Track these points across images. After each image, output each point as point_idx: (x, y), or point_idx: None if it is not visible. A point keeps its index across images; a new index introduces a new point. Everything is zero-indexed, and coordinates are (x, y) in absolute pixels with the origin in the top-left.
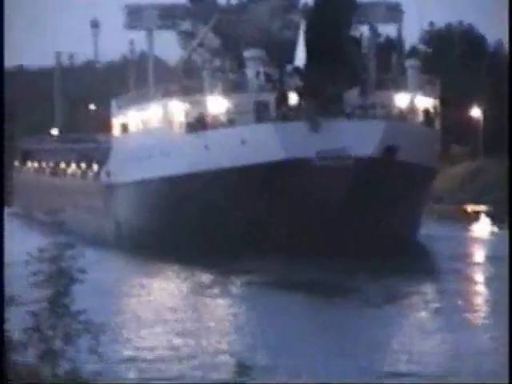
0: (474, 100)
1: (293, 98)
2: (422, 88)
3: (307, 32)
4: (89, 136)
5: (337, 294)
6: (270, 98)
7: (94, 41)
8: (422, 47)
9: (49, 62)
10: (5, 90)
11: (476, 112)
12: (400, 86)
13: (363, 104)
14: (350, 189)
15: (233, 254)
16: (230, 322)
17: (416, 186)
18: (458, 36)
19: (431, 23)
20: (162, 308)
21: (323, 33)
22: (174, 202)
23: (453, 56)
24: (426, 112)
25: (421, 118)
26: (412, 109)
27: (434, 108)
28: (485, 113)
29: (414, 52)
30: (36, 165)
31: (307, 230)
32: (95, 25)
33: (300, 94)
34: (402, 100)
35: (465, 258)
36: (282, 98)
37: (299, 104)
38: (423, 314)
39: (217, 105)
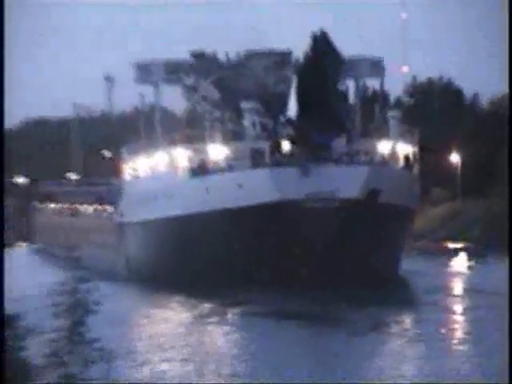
0: (452, 147)
1: (285, 146)
2: (403, 136)
3: (298, 86)
4: (103, 180)
5: (325, 323)
6: (265, 145)
7: (107, 93)
8: (405, 99)
9: (66, 112)
10: (29, 138)
11: (455, 158)
12: (382, 134)
13: (349, 151)
14: (336, 228)
15: (231, 287)
16: (227, 348)
17: (396, 224)
18: (438, 89)
19: (414, 77)
20: (167, 336)
21: (313, 87)
22: (178, 240)
23: (433, 107)
24: (406, 158)
25: (401, 163)
26: (393, 155)
27: (413, 154)
28: (463, 158)
29: (397, 103)
30: (56, 205)
31: (298, 266)
32: (109, 79)
33: (292, 142)
34: (384, 147)
35: (443, 290)
36: (276, 146)
37: (291, 151)
38: (403, 341)
39: (217, 152)
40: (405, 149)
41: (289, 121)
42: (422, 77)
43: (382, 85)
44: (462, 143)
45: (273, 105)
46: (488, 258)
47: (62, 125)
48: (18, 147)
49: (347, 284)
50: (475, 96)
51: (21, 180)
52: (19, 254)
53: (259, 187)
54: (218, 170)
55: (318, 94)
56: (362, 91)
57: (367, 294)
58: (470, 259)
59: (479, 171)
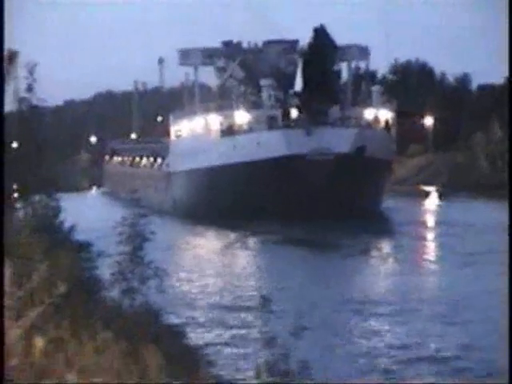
0: (426, 113)
1: (293, 113)
2: (383, 105)
3: (303, 67)
4: (156, 139)
5: (323, 247)
6: (278, 113)
7: (160, 72)
8: (389, 76)
9: (129, 87)
10: (95, 107)
11: (428, 121)
12: (367, 104)
13: (342, 117)
14: (332, 175)
15: (251, 221)
16: (247, 266)
17: (378, 172)
18: (415, 68)
19: (395, 59)
20: (203, 258)
21: (314, 68)
22: (211, 185)
23: (411, 83)
24: (386, 122)
25: (382, 126)
26: (376, 120)
27: (392, 119)
28: (434, 121)
29: (383, 79)
30: (120, 159)
31: (303, 203)
32: (161, 61)
33: (298, 110)
34: (368, 114)
35: (417, 222)
36: (286, 113)
37: (298, 117)
38: (387, 261)
39: (241, 118)
40: (385, 115)
41: (296, 94)
42: (403, 59)
43: (367, 66)
44: (434, 110)
45: (284, 81)
46: (452, 198)
47: (126, 96)
48: (92, 114)
49: (341, 218)
50: (443, 74)
51: (93, 139)
52: (92, 196)
53: (273, 145)
54: (242, 131)
55: (318, 73)
56: (352, 71)
57: (357, 226)
58: (439, 199)
59: (446, 131)
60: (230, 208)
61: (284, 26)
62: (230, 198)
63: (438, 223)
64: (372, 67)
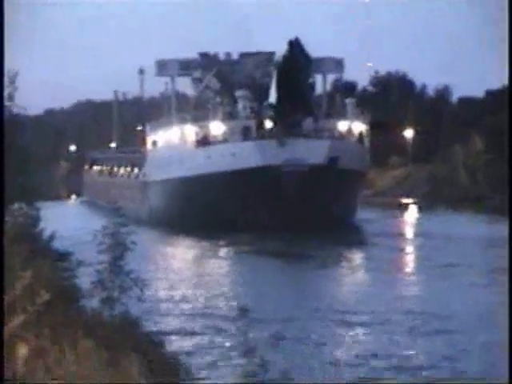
0: (405, 125)
1: (268, 124)
2: (357, 117)
3: (278, 79)
4: (134, 149)
5: (296, 258)
6: (252, 123)
7: (141, 82)
8: (369, 88)
9: (109, 96)
10: (75, 116)
11: (408, 133)
12: (341, 116)
13: (315, 128)
14: (306, 186)
15: (224, 231)
16: (221, 276)
17: (352, 183)
18: (395, 80)
19: (376, 71)
20: (177, 267)
21: (288, 80)
22: (186, 195)
23: (393, 94)
24: (360, 134)
25: (355, 137)
26: (349, 132)
27: (366, 131)
28: (414, 134)
29: (363, 91)
30: (99, 168)
31: (276, 214)
32: (141, 71)
33: (273, 121)
34: (342, 126)
35: (397, 234)
36: (260, 124)
37: (272, 128)
38: (359, 272)
39: (216, 128)
40: (359, 127)
41: (270, 105)
42: (383, 71)
43: (341, 78)
44: (414, 122)
45: (259, 93)
46: (431, 210)
47: (105, 106)
48: (71, 122)
49: (314, 229)
50: (423, 85)
51: (73, 148)
52: (71, 205)
53: (247, 155)
54: (217, 142)
55: (291, 85)
56: (326, 83)
57: (330, 237)
58: (417, 211)
59: (426, 143)
60: (205, 218)
61: (263, 38)
62: (204, 208)
63: (414, 235)
64: (352, 79)
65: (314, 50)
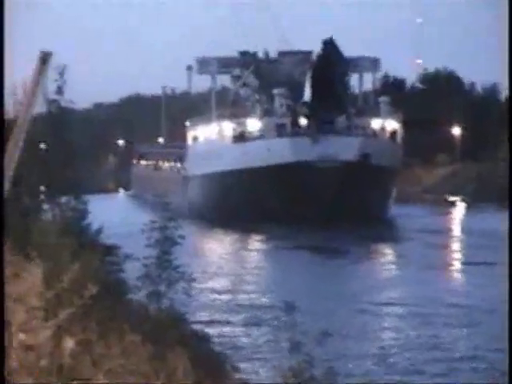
0: (454, 123)
1: (302, 121)
2: (391, 115)
3: (312, 78)
4: (181, 144)
5: (332, 253)
6: (287, 121)
7: (188, 78)
8: (418, 84)
9: (158, 91)
10: (124, 110)
11: (456, 131)
12: (374, 114)
13: (348, 126)
14: (338, 182)
15: (261, 225)
16: (258, 268)
17: (383, 179)
18: (443, 77)
19: (425, 68)
20: (216, 258)
21: (322, 79)
22: (224, 188)
23: (441, 92)
24: (392, 132)
25: (388, 135)
26: (382, 129)
27: (399, 129)
28: (462, 131)
29: (414, 89)
30: (146, 162)
31: (311, 209)
32: (189, 68)
33: (307, 119)
34: (375, 123)
35: (439, 230)
36: (295, 121)
37: (306, 125)
38: (391, 267)
39: (253, 125)
40: (392, 125)
41: (305, 103)
42: (431, 68)
43: (375, 78)
44: (462, 119)
45: (295, 91)
46: (477, 208)
47: (154, 100)
48: (120, 117)
49: (347, 224)
50: (472, 84)
51: (121, 142)
52: (119, 198)
53: (282, 151)
54: (254, 138)
55: (325, 83)
56: (362, 82)
57: (363, 232)
58: (464, 209)
59: (474, 142)
60: (241, 212)
61: (304, 37)
62: (240, 203)
63: (457, 232)
64: (401, 76)
65: (363, 47)
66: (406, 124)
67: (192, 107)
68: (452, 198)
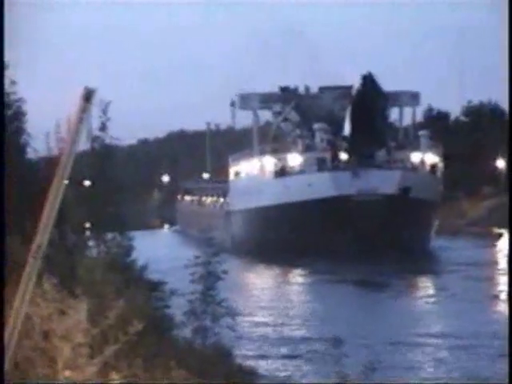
0: (499, 154)
1: (342, 156)
2: (430, 149)
3: (352, 112)
4: (225, 179)
5: (372, 286)
6: (327, 155)
7: (232, 114)
8: (462, 118)
9: (201, 127)
10: (168, 146)
11: (500, 163)
12: (414, 147)
13: (388, 160)
14: (379, 215)
15: (302, 259)
16: (302, 303)
17: (424, 213)
18: (487, 110)
19: (469, 101)
20: (260, 294)
21: (362, 112)
22: (266, 223)
23: (485, 124)
24: (432, 165)
25: (428, 168)
26: (422, 163)
27: (439, 162)
28: (508, 163)
29: (456, 121)
30: (190, 198)
31: (351, 243)
32: (233, 104)
33: (347, 153)
34: (415, 157)
35: (482, 263)
36: (335, 156)
37: (346, 159)
38: (429, 302)
39: (294, 160)
40: (431, 158)
41: (345, 138)
42: (476, 100)
43: (414, 112)
44: (507, 151)
45: (335, 125)
46: None
47: (198, 136)
48: (164, 153)
49: (388, 257)
50: None
51: (166, 178)
52: (163, 234)
53: (322, 186)
54: (294, 172)
55: (365, 118)
56: (402, 116)
57: (404, 265)
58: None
59: None
60: (282, 246)
61: (345, 72)
62: (282, 237)
63: (504, 264)
64: (445, 109)
65: (404, 82)
66: (447, 157)
67: (236, 142)
68: (498, 231)
